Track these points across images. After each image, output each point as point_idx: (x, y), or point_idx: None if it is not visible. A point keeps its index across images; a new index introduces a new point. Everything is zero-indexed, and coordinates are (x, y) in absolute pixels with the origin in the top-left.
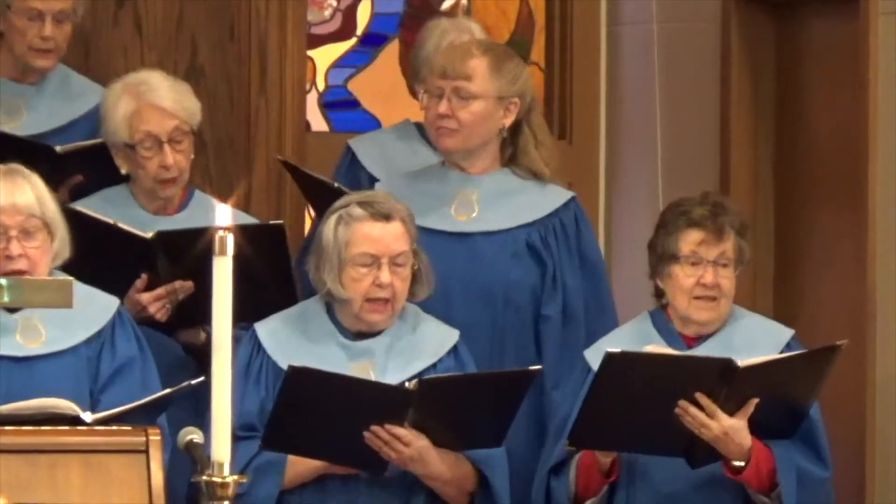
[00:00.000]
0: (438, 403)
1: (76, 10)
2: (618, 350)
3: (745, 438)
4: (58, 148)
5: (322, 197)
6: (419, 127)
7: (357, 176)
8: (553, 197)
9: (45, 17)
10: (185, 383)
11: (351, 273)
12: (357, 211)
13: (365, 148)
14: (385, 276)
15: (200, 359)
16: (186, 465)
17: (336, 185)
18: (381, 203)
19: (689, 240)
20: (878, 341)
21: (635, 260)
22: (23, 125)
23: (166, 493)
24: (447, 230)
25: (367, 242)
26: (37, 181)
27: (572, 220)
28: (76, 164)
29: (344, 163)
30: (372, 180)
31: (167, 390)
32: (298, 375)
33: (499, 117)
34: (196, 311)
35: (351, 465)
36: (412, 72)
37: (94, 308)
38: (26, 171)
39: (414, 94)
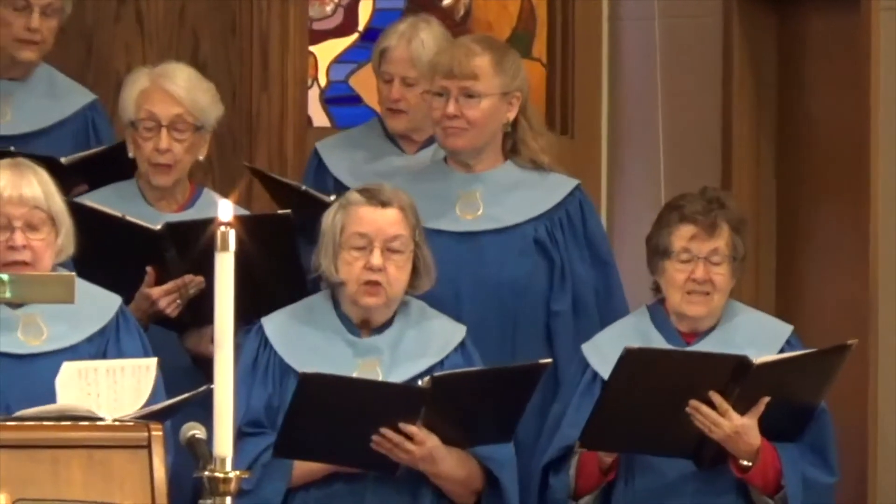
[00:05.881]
0: (451, 400)
1: (64, 8)
2: (636, 346)
3: (755, 438)
4: (63, 159)
5: (291, 201)
6: (383, 123)
7: (324, 180)
8: (557, 187)
9: (32, 9)
10: (203, 388)
11: (345, 256)
12: (355, 197)
13: (330, 151)
14: (376, 258)
15: (208, 370)
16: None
17: (303, 188)
18: (381, 192)
19: (681, 235)
20: (880, 339)
21: (637, 255)
22: (7, 124)
23: (171, 488)
24: (453, 230)
25: (360, 224)
26: (44, 175)
27: (577, 209)
28: (80, 172)
29: (311, 167)
30: (337, 184)
31: (186, 395)
32: (311, 382)
33: (504, 112)
34: (208, 307)
35: (363, 466)
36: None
37: (96, 306)
38: (34, 165)
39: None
